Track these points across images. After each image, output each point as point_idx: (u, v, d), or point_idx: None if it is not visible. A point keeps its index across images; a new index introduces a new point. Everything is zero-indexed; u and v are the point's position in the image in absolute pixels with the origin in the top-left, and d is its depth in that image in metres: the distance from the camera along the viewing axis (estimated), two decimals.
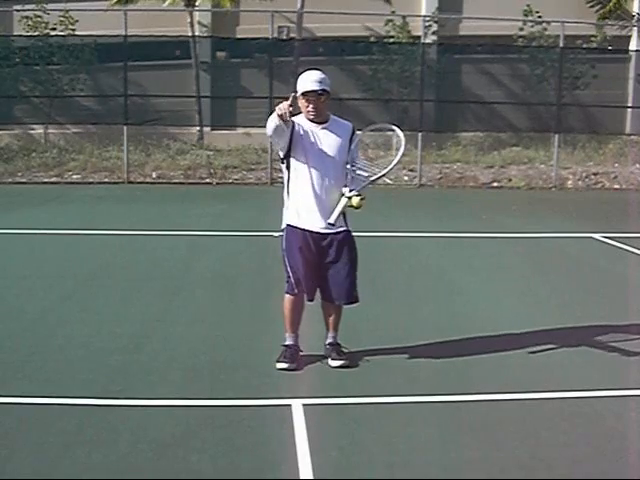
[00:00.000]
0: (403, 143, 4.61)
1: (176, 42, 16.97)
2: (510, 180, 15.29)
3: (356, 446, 3.57)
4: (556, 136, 15.53)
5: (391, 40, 16.87)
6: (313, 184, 4.46)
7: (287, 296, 4.62)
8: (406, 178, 15.31)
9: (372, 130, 4.80)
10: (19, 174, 14.70)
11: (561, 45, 15.50)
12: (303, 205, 4.51)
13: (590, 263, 8.16)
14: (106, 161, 15.27)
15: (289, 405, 3.97)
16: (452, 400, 4.18)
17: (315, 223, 4.48)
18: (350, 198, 4.43)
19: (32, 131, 17.45)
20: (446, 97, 17.20)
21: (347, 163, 4.51)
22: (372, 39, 17.34)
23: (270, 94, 14.50)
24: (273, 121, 4.27)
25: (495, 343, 5.21)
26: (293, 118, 4.37)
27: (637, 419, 3.94)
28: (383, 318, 5.76)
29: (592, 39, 17.43)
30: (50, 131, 17.08)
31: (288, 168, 4.54)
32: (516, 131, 17.44)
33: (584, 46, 16.82)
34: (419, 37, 16.65)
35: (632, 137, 17.60)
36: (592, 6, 18.48)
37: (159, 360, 4.76)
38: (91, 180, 14.45)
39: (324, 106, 4.46)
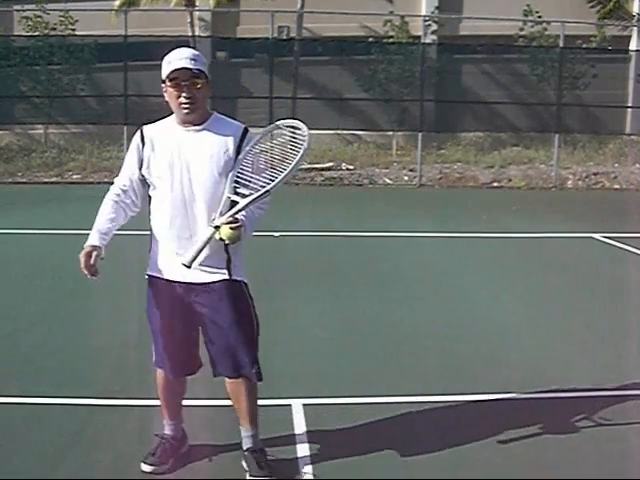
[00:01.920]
0: (304, 141, 3.07)
1: (176, 42, 16.96)
2: (510, 180, 15.28)
3: (356, 446, 3.57)
4: (556, 136, 15.53)
5: (391, 40, 16.87)
6: (177, 215, 3.13)
7: (158, 371, 3.38)
8: (406, 178, 15.31)
9: (269, 132, 3.25)
10: (19, 174, 14.70)
11: (561, 45, 15.50)
12: (164, 246, 3.20)
13: (590, 263, 8.16)
14: (106, 161, 15.27)
15: (289, 405, 3.96)
16: (452, 400, 4.18)
17: (180, 270, 3.10)
18: (218, 227, 2.98)
19: (32, 131, 17.44)
20: (446, 97, 17.19)
21: (228, 176, 3.12)
22: (372, 39, 17.34)
23: (270, 94, 14.50)
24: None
25: (495, 343, 5.21)
26: (148, 127, 3.23)
27: (637, 419, 3.94)
28: (383, 318, 5.76)
29: (592, 39, 17.43)
30: (50, 131, 17.08)
31: (149, 197, 3.26)
32: (516, 131, 17.43)
33: (584, 46, 16.81)
34: (419, 37, 16.65)
35: (632, 137, 17.60)
36: (592, 6, 18.49)
37: None
38: (91, 180, 14.44)
39: (202, 96, 3.11)
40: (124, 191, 3.25)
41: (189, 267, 3.02)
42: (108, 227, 3.23)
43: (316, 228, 8.72)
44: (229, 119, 3.27)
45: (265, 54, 15.46)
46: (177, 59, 3.08)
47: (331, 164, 15.51)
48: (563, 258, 8.36)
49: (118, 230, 3.28)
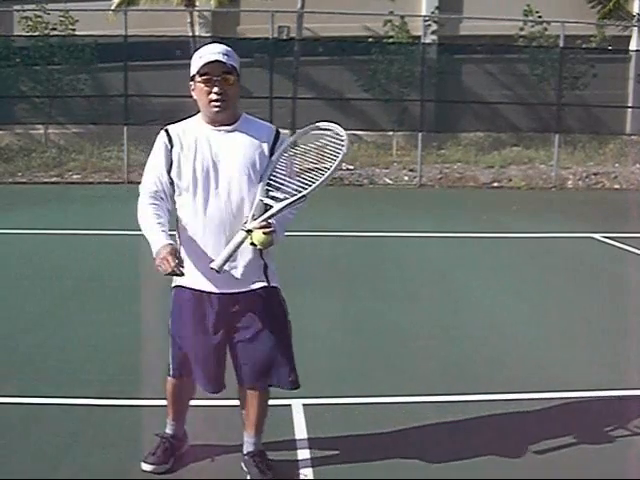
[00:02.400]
0: (343, 146, 2.97)
1: (176, 42, 16.98)
2: (510, 180, 15.28)
3: (356, 446, 3.57)
4: (556, 136, 15.53)
5: (391, 40, 16.87)
6: (211, 222, 2.99)
7: (169, 379, 3.31)
8: (406, 178, 15.31)
9: (306, 134, 3.13)
10: (19, 174, 14.70)
11: (561, 45, 15.50)
12: (196, 254, 3.05)
13: (590, 263, 8.16)
14: (106, 161, 15.28)
15: (289, 405, 3.96)
16: (452, 400, 4.18)
17: (216, 280, 3.00)
18: (250, 232, 2.89)
19: (32, 131, 17.44)
20: (446, 97, 17.18)
21: (261, 179, 3.01)
22: (372, 39, 17.34)
23: (270, 94, 14.50)
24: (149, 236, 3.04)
25: (495, 343, 5.21)
26: (173, 127, 3.12)
27: (637, 419, 3.94)
28: (383, 318, 5.75)
29: (592, 39, 17.43)
30: (50, 131, 17.08)
31: (175, 202, 3.14)
32: (516, 131, 17.43)
33: (584, 46, 16.82)
34: (419, 37, 16.65)
35: (632, 137, 17.60)
36: (593, 6, 18.49)
37: (159, 360, 4.74)
38: (91, 180, 14.44)
39: (234, 94, 2.98)
40: (155, 195, 3.10)
41: (219, 272, 2.89)
42: (163, 226, 3.05)
43: (316, 228, 8.71)
44: (260, 120, 3.17)
45: (265, 54, 15.45)
46: (209, 53, 2.94)
47: None
48: (563, 258, 8.36)
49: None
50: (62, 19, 16.09)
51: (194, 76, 2.98)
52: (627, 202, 13.26)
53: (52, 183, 14.17)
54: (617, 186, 15.23)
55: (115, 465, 3.36)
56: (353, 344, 5.04)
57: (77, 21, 16.14)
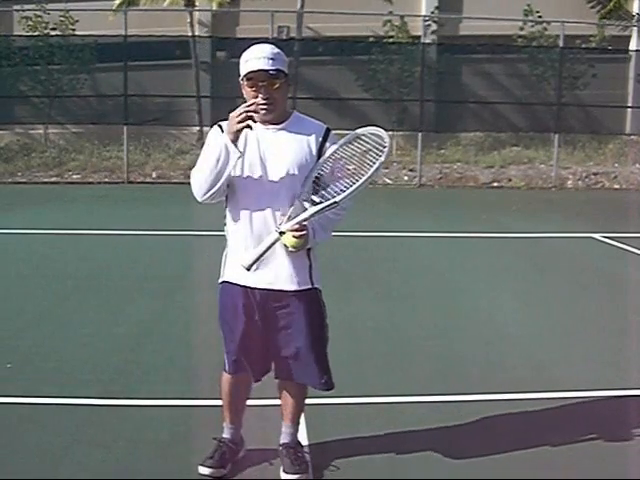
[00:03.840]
0: (384, 153, 2.93)
1: (176, 42, 16.98)
2: (510, 180, 15.29)
3: (356, 446, 3.57)
4: (556, 136, 15.54)
5: (391, 40, 16.88)
6: (257, 219, 3.01)
7: (224, 375, 3.31)
8: (406, 178, 15.32)
9: (357, 137, 3.02)
10: (19, 174, 14.70)
11: (561, 45, 15.51)
12: (241, 251, 3.06)
13: (590, 263, 8.16)
14: (106, 161, 15.28)
15: None
16: (452, 400, 4.18)
17: (261, 276, 3.05)
18: (282, 233, 2.93)
19: (32, 131, 17.45)
20: (446, 97, 17.20)
21: (306, 179, 2.99)
22: (372, 39, 17.35)
23: None
24: (211, 162, 2.94)
25: (495, 343, 5.21)
26: (225, 124, 3.00)
27: (637, 419, 3.94)
28: (383, 318, 5.75)
29: (592, 39, 17.44)
30: (50, 131, 17.08)
31: (226, 198, 3.15)
32: (516, 131, 17.45)
33: (584, 46, 16.82)
34: (419, 37, 16.66)
35: (632, 137, 17.61)
36: (592, 6, 18.50)
37: (159, 360, 4.76)
38: (91, 180, 14.45)
39: (280, 96, 2.98)
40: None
41: (248, 270, 2.94)
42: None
43: None
44: (311, 118, 3.14)
45: None
46: (255, 58, 2.94)
47: None
48: (563, 258, 8.37)
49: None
50: (62, 19, 16.10)
51: (243, 78, 2.98)
52: (627, 202, 13.27)
53: (52, 183, 14.17)
54: (617, 186, 15.24)
55: (115, 465, 3.36)
56: (352, 344, 5.04)
57: (77, 21, 16.15)
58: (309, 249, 3.08)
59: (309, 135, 3.04)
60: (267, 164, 2.99)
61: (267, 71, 2.91)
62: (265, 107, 2.94)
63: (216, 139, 3.01)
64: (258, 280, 3.06)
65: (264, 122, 3.01)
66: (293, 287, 3.07)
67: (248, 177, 3.00)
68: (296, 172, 2.98)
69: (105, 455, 3.44)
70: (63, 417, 3.86)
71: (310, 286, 3.11)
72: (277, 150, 3.00)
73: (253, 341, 3.14)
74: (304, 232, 2.93)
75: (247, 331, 3.11)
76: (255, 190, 3.00)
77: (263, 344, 3.16)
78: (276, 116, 3.01)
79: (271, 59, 2.94)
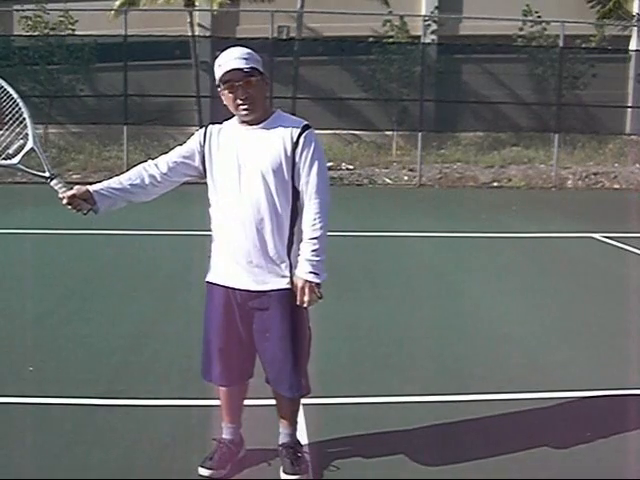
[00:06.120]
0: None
1: (176, 42, 16.98)
2: (510, 180, 15.30)
3: (356, 446, 3.57)
4: (556, 136, 15.55)
5: (391, 40, 16.88)
6: (234, 218, 3.04)
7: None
8: (406, 178, 15.32)
9: None
10: (19, 174, 14.70)
11: (561, 45, 15.52)
12: (225, 251, 3.12)
13: (590, 263, 8.16)
14: (106, 161, 15.29)
15: None
16: (452, 400, 4.18)
17: (239, 277, 3.06)
18: (53, 176, 3.20)
19: None
20: (446, 97, 17.21)
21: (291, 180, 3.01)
22: (372, 39, 17.36)
23: (270, 94, 14.48)
24: None
25: (495, 343, 5.21)
26: (213, 126, 3.16)
27: (637, 419, 3.94)
28: (383, 318, 5.76)
29: (591, 39, 17.45)
30: (50, 131, 17.09)
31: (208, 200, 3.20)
32: (516, 131, 17.46)
33: (584, 46, 16.83)
34: (419, 37, 16.67)
35: (632, 137, 17.63)
36: (592, 6, 18.51)
37: (159, 360, 4.76)
38: (91, 180, 14.34)
39: (259, 95, 2.99)
40: (155, 164, 3.21)
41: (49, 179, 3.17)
42: (118, 181, 3.20)
43: None
44: (293, 116, 3.15)
45: (265, 54, 15.46)
46: (227, 60, 2.96)
47: (331, 164, 15.52)
48: (563, 258, 8.37)
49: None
50: (62, 19, 16.11)
51: (219, 84, 3.01)
52: (627, 202, 13.27)
53: None
54: (617, 186, 15.25)
55: (115, 465, 3.36)
56: (352, 344, 5.04)
57: (77, 21, 16.15)
58: (290, 248, 3.05)
59: (285, 132, 3.01)
60: (246, 163, 3.00)
61: (242, 69, 2.93)
62: (245, 107, 2.97)
63: (193, 140, 3.15)
64: (238, 281, 3.06)
65: (245, 123, 3.05)
66: (272, 287, 3.05)
67: (228, 178, 3.04)
68: (271, 170, 2.98)
69: (105, 455, 3.44)
70: (63, 417, 3.86)
71: (290, 286, 3.05)
72: (255, 149, 3.01)
73: (232, 342, 3.12)
74: (303, 287, 2.98)
75: (227, 330, 3.10)
76: (234, 190, 3.02)
77: (241, 346, 3.13)
78: (258, 116, 3.03)
79: (244, 59, 2.96)
